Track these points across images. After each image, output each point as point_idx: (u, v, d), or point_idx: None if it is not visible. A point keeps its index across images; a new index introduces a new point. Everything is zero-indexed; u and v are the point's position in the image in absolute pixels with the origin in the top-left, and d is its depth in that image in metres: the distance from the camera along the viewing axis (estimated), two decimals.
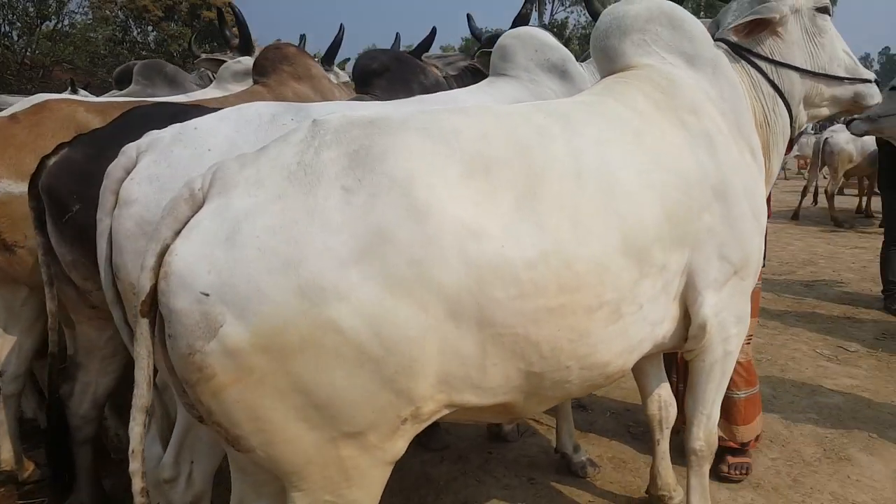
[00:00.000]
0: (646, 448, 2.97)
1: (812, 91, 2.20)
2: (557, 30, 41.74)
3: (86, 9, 27.43)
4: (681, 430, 2.83)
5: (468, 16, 4.09)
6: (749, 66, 2.11)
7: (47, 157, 2.15)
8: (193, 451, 1.91)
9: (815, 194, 11.43)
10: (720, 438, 2.70)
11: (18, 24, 24.06)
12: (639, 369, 2.31)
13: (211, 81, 4.45)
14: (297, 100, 3.28)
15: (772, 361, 4.13)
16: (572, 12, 44.22)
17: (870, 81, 2.26)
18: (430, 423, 1.47)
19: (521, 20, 3.26)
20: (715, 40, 2.10)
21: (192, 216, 1.30)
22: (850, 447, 3.01)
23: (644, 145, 1.67)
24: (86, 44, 27.00)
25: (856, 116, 4.25)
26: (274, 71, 3.30)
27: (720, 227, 1.78)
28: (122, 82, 4.51)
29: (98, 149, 2.12)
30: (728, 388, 2.66)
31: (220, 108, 2.42)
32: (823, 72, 2.18)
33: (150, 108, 2.33)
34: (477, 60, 3.18)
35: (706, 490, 2.19)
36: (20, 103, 3.08)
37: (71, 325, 2.53)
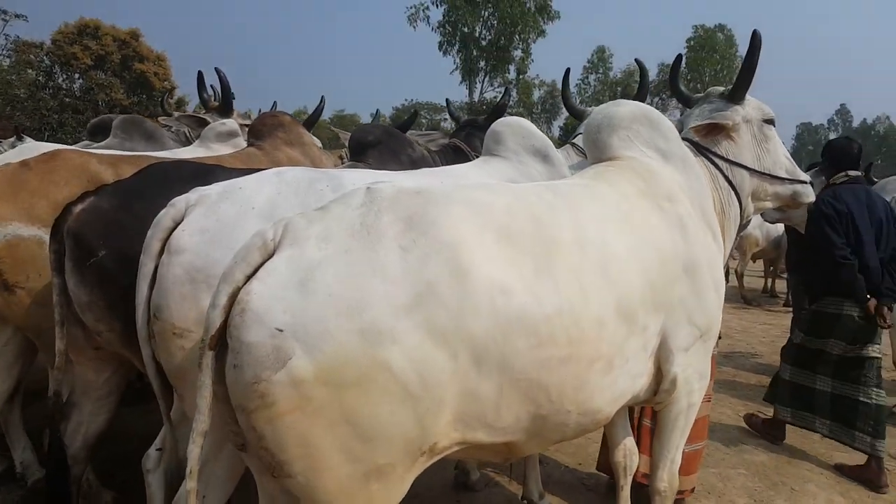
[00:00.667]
0: (599, 498, 3.25)
1: (758, 187, 2.63)
2: (486, 107, 43.79)
3: (8, 51, 26.61)
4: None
5: (447, 100, 4.49)
6: (709, 162, 2.53)
7: (73, 203, 2.27)
8: (207, 486, 2.00)
9: (727, 273, 12.33)
10: None
11: None
12: (610, 421, 2.52)
13: (186, 138, 4.60)
14: (290, 163, 3.52)
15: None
16: (500, 92, 46.51)
17: (806, 182, 2.72)
18: (440, 457, 1.67)
19: (499, 109, 3.66)
20: (682, 138, 2.49)
21: (264, 263, 1.48)
22: (777, 498, 3.40)
23: (631, 224, 1.98)
24: (6, 86, 26.11)
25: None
26: (269, 136, 3.53)
27: (689, 297, 2.08)
28: (96, 134, 4.59)
29: (124, 199, 2.27)
30: None
31: (233, 168, 2.64)
32: (768, 172, 2.62)
33: (170, 165, 2.50)
34: (458, 140, 3.52)
35: None
36: (12, 151, 3.16)
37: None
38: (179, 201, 1.96)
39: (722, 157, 2.56)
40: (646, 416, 3.08)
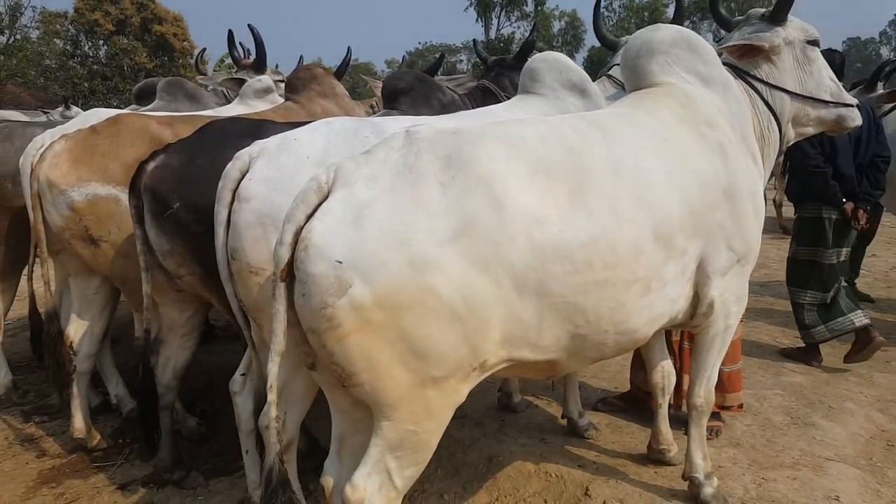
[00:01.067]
0: (636, 418, 3.43)
1: (800, 112, 2.62)
2: (503, 44, 42.88)
3: (37, 23, 26.96)
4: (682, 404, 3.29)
5: (474, 41, 4.60)
6: (748, 86, 2.53)
7: (145, 162, 2.53)
8: (287, 404, 2.26)
9: (765, 203, 12.15)
10: None
11: None
12: (647, 344, 2.70)
13: (224, 97, 4.84)
14: (325, 115, 3.70)
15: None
16: (519, 27, 45.40)
17: (852, 106, 2.69)
18: (490, 373, 1.87)
19: (527, 46, 3.75)
20: (722, 63, 2.50)
21: (321, 203, 1.67)
22: (813, 415, 3.52)
23: (669, 151, 2.08)
24: (38, 57, 26.60)
25: None
26: (304, 89, 3.75)
27: (728, 223, 2.17)
28: (142, 98, 4.86)
29: (191, 155, 2.52)
30: None
31: (275, 123, 2.88)
32: (811, 95, 2.60)
33: (225, 123, 2.74)
34: (487, 81, 3.67)
35: (703, 438, 2.62)
36: (78, 118, 3.44)
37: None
38: (243, 154, 2.16)
39: (762, 81, 2.54)
40: (685, 338, 3.26)
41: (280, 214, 1.99)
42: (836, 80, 2.69)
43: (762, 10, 2.67)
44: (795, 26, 2.61)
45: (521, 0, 45.54)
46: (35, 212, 2.88)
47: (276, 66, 6.06)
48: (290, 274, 1.67)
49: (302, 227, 1.65)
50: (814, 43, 2.62)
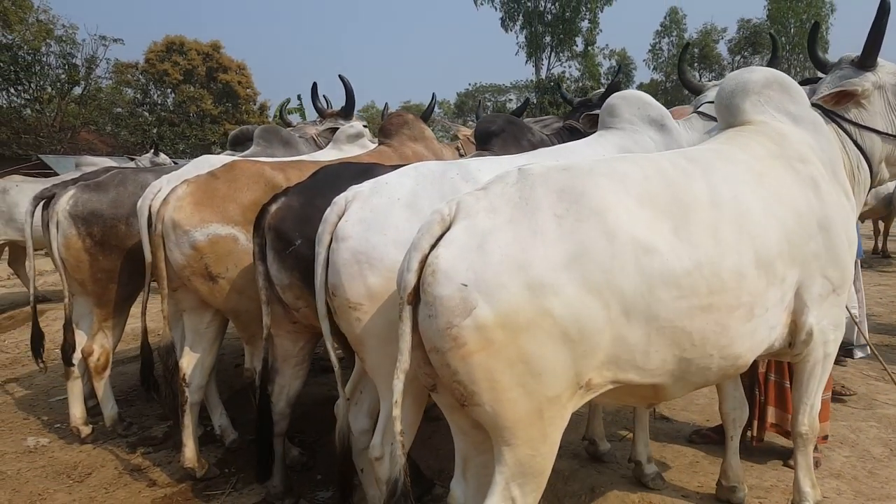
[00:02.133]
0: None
1: (893, 152, 2.67)
2: (554, 84, 43.40)
3: (110, 73, 28.67)
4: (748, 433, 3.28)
5: (558, 84, 4.76)
6: (838, 128, 2.61)
7: (268, 204, 2.72)
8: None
9: None
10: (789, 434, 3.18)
11: (50, 89, 25.20)
12: None
13: (315, 144, 5.08)
14: (416, 158, 3.90)
15: None
16: (569, 66, 45.79)
17: None
18: (596, 394, 1.93)
19: (613, 87, 3.88)
20: (812, 105, 2.59)
21: (444, 234, 1.80)
22: None
23: (765, 184, 2.17)
24: (111, 106, 28.21)
25: None
26: (396, 134, 3.94)
27: (823, 252, 2.24)
28: (236, 145, 5.14)
29: (309, 197, 2.71)
30: None
31: (382, 165, 3.04)
32: None
33: (338, 167, 2.92)
34: (573, 121, 3.80)
35: (811, 467, 2.62)
36: (190, 164, 3.68)
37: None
38: (340, 199, 2.34)
39: (851, 122, 2.62)
40: (771, 371, 3.26)
41: (374, 252, 2.20)
42: None
43: (853, 55, 2.73)
44: (887, 70, 2.68)
45: (571, 41, 46.06)
46: (157, 251, 3.11)
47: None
48: (415, 298, 1.78)
49: (427, 255, 1.77)
50: None
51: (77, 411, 3.95)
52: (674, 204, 1.96)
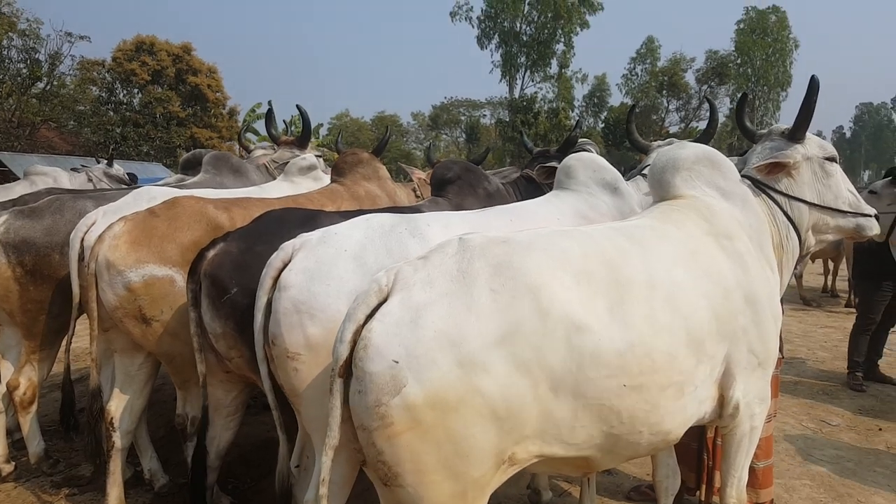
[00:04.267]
0: None
1: (819, 221, 2.74)
2: (527, 104, 43.84)
3: (74, 71, 27.97)
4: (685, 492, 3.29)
5: (521, 132, 4.75)
6: (768, 198, 2.68)
7: (206, 249, 2.63)
8: (331, 497, 2.29)
9: None
10: None
11: (9, 82, 24.45)
12: None
13: (267, 172, 4.96)
14: (369, 197, 3.85)
15: None
16: (541, 88, 46.36)
17: (870, 216, 2.80)
18: (521, 468, 1.91)
19: (570, 142, 3.89)
20: (742, 175, 2.64)
21: (380, 305, 1.76)
22: None
23: (697, 262, 2.19)
24: (73, 103, 27.47)
25: None
26: (350, 172, 3.88)
27: (750, 327, 2.25)
28: (188, 168, 5.00)
29: (249, 243, 2.63)
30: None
31: (332, 211, 2.96)
32: (829, 206, 2.73)
33: (282, 213, 2.83)
34: (530, 171, 3.77)
35: None
36: (130, 196, 3.53)
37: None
38: (287, 246, 2.30)
39: (781, 193, 2.69)
40: (719, 436, 3.24)
41: (315, 303, 2.17)
42: (855, 192, 2.80)
43: (783, 127, 2.82)
44: (814, 143, 2.76)
45: (547, 62, 46.66)
46: (89, 291, 2.97)
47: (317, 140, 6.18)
48: (346, 371, 1.73)
49: (362, 326, 1.73)
50: (831, 159, 2.76)
51: None
52: (611, 283, 1.96)
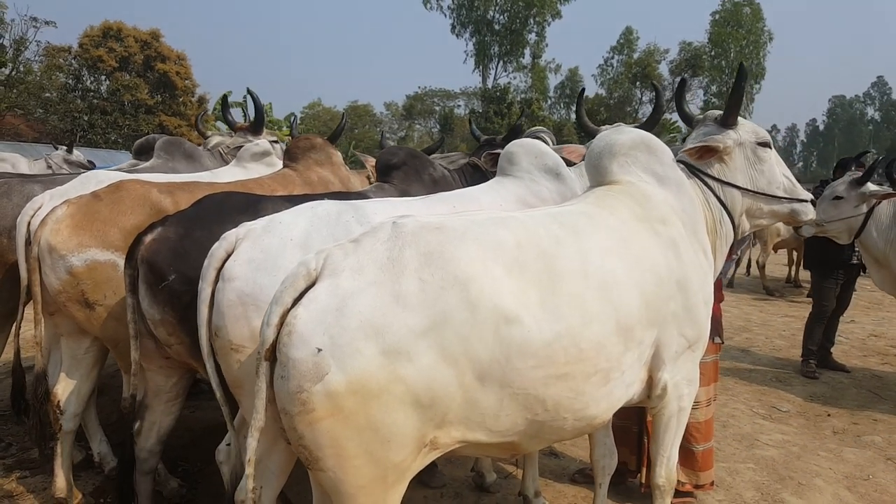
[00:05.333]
0: (613, 492, 3.37)
1: (753, 206, 2.77)
2: (500, 93, 43.87)
3: (40, 57, 27.40)
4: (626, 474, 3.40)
5: (469, 120, 4.81)
6: (701, 183, 2.70)
7: (143, 233, 2.61)
8: (262, 479, 2.28)
9: (749, 265, 12.37)
10: (680, 483, 3.26)
11: None
12: None
13: (221, 158, 4.96)
14: (321, 182, 3.87)
15: (715, 418, 4.74)
16: (514, 77, 46.47)
17: (805, 201, 2.82)
18: (443, 452, 1.94)
19: (515, 130, 3.95)
20: (677, 161, 2.67)
21: (307, 289, 1.77)
22: (783, 492, 3.61)
23: (630, 250, 2.21)
24: (39, 90, 26.94)
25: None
26: (303, 158, 3.88)
27: (681, 312, 2.31)
28: (141, 153, 4.96)
29: (187, 229, 2.62)
30: (689, 443, 3.26)
31: (275, 196, 2.99)
32: (763, 191, 2.76)
33: (223, 196, 2.84)
34: (476, 159, 3.83)
35: None
36: (77, 180, 3.53)
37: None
38: (230, 235, 2.28)
39: (714, 178, 2.71)
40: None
41: (261, 295, 2.13)
42: (791, 177, 2.84)
43: (717, 113, 2.83)
44: (747, 129, 2.78)
45: (520, 52, 46.73)
46: (33, 274, 2.95)
47: (274, 128, 6.19)
48: (272, 355, 1.75)
49: (288, 311, 1.74)
50: (764, 144, 2.78)
51: None
52: (544, 274, 1.97)
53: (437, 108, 52.11)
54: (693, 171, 2.73)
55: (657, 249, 2.30)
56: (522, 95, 44.48)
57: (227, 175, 4.08)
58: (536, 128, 4.26)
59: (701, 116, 2.90)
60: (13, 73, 25.50)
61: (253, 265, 2.20)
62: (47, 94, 27.46)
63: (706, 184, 2.71)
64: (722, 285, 3.34)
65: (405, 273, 1.79)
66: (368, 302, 1.72)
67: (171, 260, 2.55)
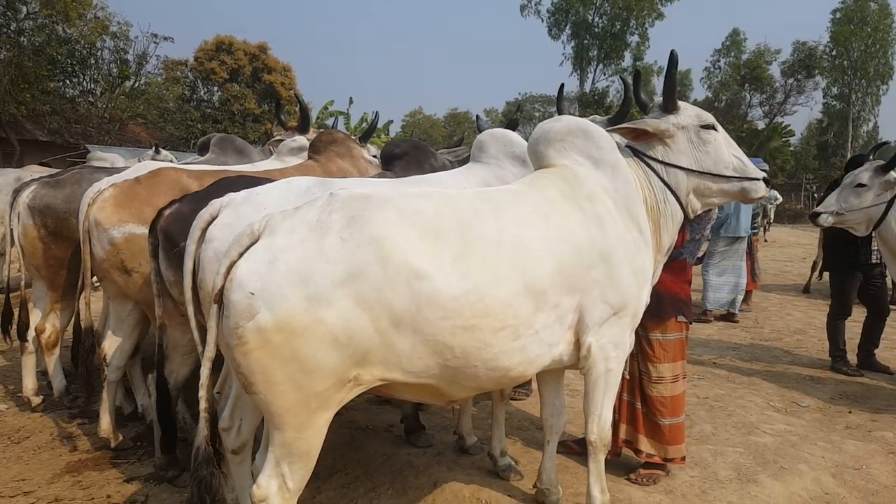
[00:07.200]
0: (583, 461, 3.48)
1: (700, 185, 2.91)
2: (598, 97, 43.18)
3: (159, 70, 29.93)
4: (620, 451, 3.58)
5: (477, 116, 5.13)
6: (644, 164, 2.88)
7: (164, 208, 3.13)
8: (242, 411, 2.74)
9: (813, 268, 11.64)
10: (648, 454, 3.44)
11: (102, 81, 26.52)
12: (542, 381, 3.08)
13: (269, 153, 5.52)
14: (341, 173, 4.29)
15: (722, 407, 4.79)
16: (613, 81, 45.62)
17: (756, 179, 2.93)
18: (367, 388, 2.25)
19: (512, 123, 4.22)
20: (626, 146, 2.87)
21: (251, 245, 2.15)
22: (761, 474, 3.63)
23: (549, 224, 2.47)
24: (158, 101, 29.47)
25: (820, 211, 4.99)
26: (325, 150, 4.34)
27: (604, 280, 2.53)
28: (203, 149, 5.62)
29: (198, 205, 3.08)
30: (655, 416, 3.42)
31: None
32: (708, 171, 2.89)
33: (233, 179, 3.31)
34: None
35: (601, 474, 2.88)
36: (132, 168, 4.13)
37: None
38: (216, 203, 2.72)
39: (656, 160, 2.87)
40: (624, 391, 3.50)
41: None
42: (742, 157, 2.94)
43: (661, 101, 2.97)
44: (689, 113, 2.92)
45: (619, 55, 45.83)
46: (84, 245, 3.54)
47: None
48: (220, 299, 2.14)
49: (234, 263, 2.13)
50: (708, 127, 2.91)
51: (29, 383, 4.46)
52: (459, 239, 2.26)
53: (538, 115, 52.08)
54: (636, 153, 2.92)
55: (579, 224, 2.53)
56: (620, 97, 43.56)
57: (264, 167, 4.59)
58: (593, 116, 4.43)
59: (651, 105, 3.06)
60: (136, 84, 28.02)
61: (229, 229, 2.56)
62: (165, 105, 29.95)
63: (649, 165, 2.89)
64: (687, 265, 3.42)
65: (329, 233, 2.14)
66: (296, 255, 2.08)
67: (183, 229, 3.00)
